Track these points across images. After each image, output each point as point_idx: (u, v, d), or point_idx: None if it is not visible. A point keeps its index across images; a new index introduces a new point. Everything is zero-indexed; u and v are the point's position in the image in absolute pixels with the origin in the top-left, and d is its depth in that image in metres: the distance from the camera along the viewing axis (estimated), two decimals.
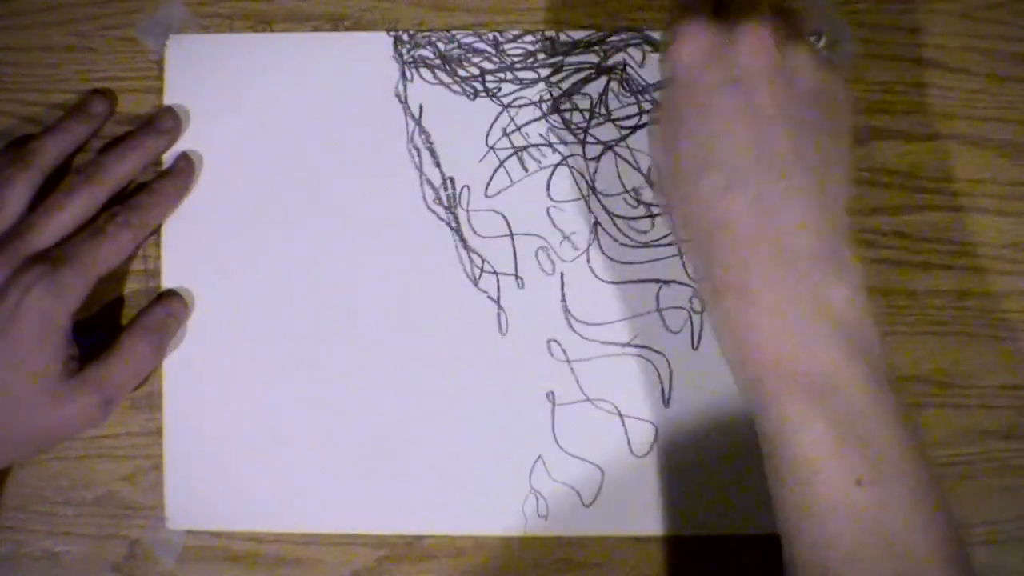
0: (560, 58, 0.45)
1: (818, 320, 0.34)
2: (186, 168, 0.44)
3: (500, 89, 0.45)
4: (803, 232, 0.34)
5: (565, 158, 0.45)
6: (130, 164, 0.43)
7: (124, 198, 0.43)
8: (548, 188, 0.45)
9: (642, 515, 0.44)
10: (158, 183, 0.44)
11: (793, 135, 0.35)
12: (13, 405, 0.39)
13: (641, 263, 0.45)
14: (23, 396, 0.39)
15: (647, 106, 0.45)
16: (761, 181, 0.34)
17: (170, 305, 0.44)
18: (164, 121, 0.44)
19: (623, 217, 0.45)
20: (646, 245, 0.45)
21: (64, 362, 0.40)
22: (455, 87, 0.45)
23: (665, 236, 0.45)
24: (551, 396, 0.45)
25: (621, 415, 0.45)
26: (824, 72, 0.36)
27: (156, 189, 0.44)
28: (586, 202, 0.45)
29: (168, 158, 0.45)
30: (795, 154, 0.35)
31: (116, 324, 0.45)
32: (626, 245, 0.45)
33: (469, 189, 0.45)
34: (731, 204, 0.35)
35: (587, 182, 0.45)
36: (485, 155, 0.45)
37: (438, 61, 0.45)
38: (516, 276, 0.45)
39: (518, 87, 0.45)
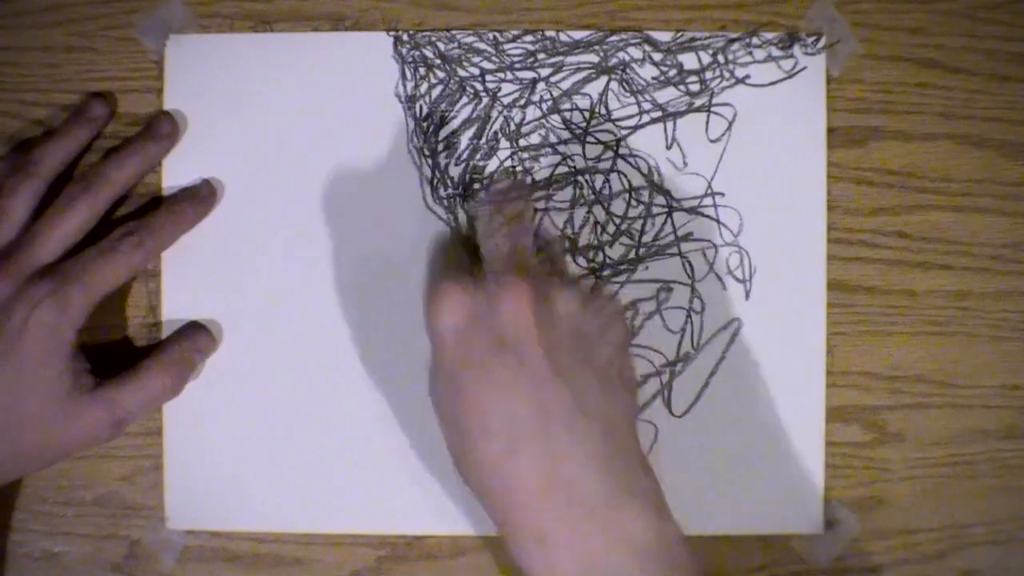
0: (560, 58, 0.45)
1: (619, 553, 0.34)
2: (208, 195, 0.44)
3: (500, 89, 0.45)
4: (593, 475, 0.35)
5: (565, 158, 0.45)
6: (129, 171, 0.43)
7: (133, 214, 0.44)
8: (548, 188, 0.45)
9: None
10: (178, 205, 0.44)
11: (569, 388, 0.36)
12: (23, 419, 0.39)
13: (641, 263, 0.45)
14: (32, 410, 0.39)
15: (647, 106, 0.45)
16: (545, 438, 0.35)
17: (197, 340, 0.44)
18: (162, 126, 0.44)
19: (623, 217, 0.45)
20: (646, 245, 0.45)
21: (73, 376, 0.40)
22: (455, 87, 0.45)
23: (664, 236, 0.45)
24: None
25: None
26: (586, 306, 0.38)
27: (175, 211, 0.43)
28: (585, 202, 0.45)
29: (170, 167, 0.45)
30: (574, 405, 0.36)
31: (116, 324, 0.45)
32: (626, 245, 0.45)
33: (469, 189, 0.45)
34: (518, 466, 0.35)
35: (587, 182, 0.45)
36: (485, 155, 0.45)
37: (438, 61, 0.45)
38: None
39: (518, 87, 0.45)
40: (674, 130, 0.45)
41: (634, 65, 0.45)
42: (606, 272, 0.45)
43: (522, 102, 0.45)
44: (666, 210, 0.45)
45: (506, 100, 0.45)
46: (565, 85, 0.45)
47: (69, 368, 0.40)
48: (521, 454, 0.35)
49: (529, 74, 0.45)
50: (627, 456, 0.36)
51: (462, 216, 0.45)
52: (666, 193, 0.45)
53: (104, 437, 0.41)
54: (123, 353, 0.45)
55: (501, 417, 0.36)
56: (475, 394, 0.36)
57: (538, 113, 0.45)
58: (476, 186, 0.45)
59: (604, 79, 0.45)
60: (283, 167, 0.45)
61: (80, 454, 0.45)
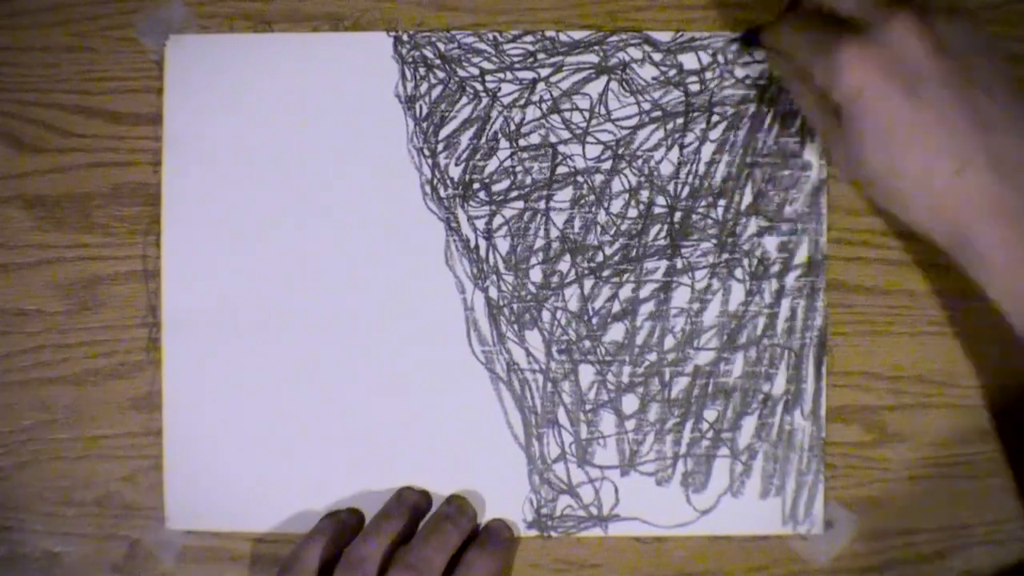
0: (560, 58, 0.45)
1: None
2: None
3: (500, 89, 0.45)
4: None
5: (564, 158, 0.45)
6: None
7: None
8: (548, 188, 0.45)
9: (642, 515, 0.45)
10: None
11: (985, 97, 0.36)
12: None
13: (641, 262, 0.45)
14: None
15: (647, 106, 0.45)
16: (983, 150, 0.36)
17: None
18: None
19: (623, 217, 0.45)
20: (645, 244, 0.45)
21: None
22: (455, 87, 0.45)
23: (662, 235, 0.45)
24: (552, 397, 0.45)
25: (620, 416, 0.45)
26: (969, 26, 0.37)
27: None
28: (585, 201, 0.45)
29: (170, 167, 0.45)
30: (995, 112, 0.36)
31: (114, 322, 0.45)
32: (625, 243, 0.45)
33: (469, 189, 0.45)
34: (966, 183, 0.36)
35: (587, 182, 0.45)
36: (485, 155, 0.45)
37: (438, 61, 0.45)
38: (516, 277, 0.45)
39: (518, 87, 0.45)
40: (674, 130, 0.45)
41: (634, 65, 0.45)
42: (606, 272, 0.45)
43: (522, 102, 0.45)
44: (666, 210, 0.45)
45: (506, 100, 0.45)
46: (565, 85, 0.45)
47: None
48: (971, 168, 0.36)
49: (529, 74, 0.45)
50: None
51: (462, 216, 0.45)
52: (666, 193, 0.45)
53: None
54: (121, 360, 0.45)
55: (941, 142, 0.36)
56: (910, 135, 0.36)
57: (538, 113, 0.45)
58: (476, 186, 0.45)
59: (604, 79, 0.45)
60: (283, 167, 0.45)
61: (78, 454, 0.45)
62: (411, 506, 0.43)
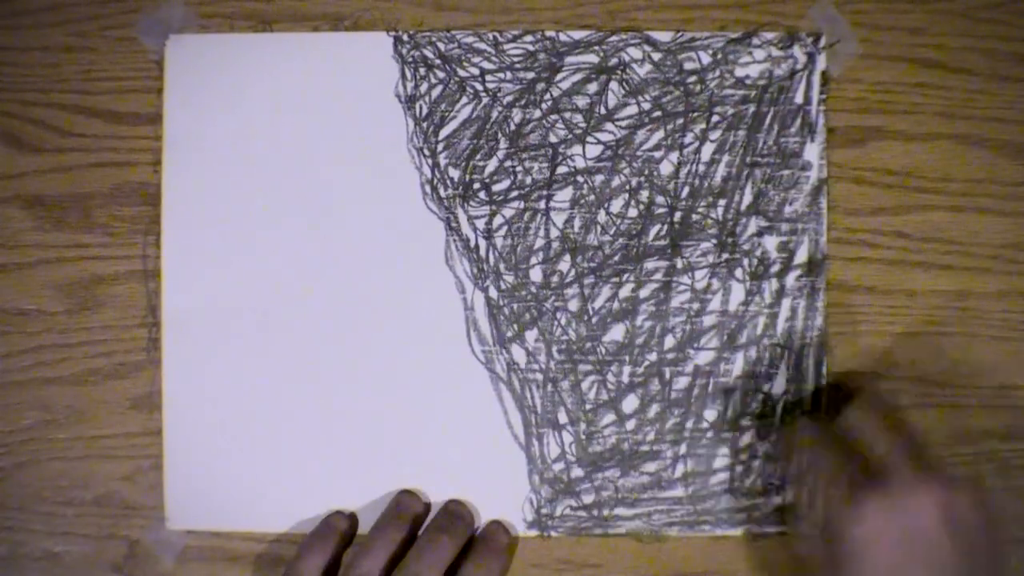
0: (560, 58, 0.45)
1: None
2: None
3: (500, 89, 0.45)
4: None
5: (564, 158, 0.45)
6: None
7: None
8: (548, 188, 0.45)
9: (641, 515, 0.45)
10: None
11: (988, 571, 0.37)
12: None
13: (641, 262, 0.45)
14: None
15: (646, 106, 0.45)
16: None
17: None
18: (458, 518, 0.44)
19: (623, 217, 0.45)
20: (645, 244, 0.45)
21: None
22: (455, 87, 0.45)
23: (662, 235, 0.45)
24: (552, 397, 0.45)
25: (620, 416, 0.45)
26: (988, 512, 0.38)
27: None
28: (585, 203, 0.45)
29: (170, 167, 0.45)
30: None
31: (114, 322, 0.45)
32: (625, 243, 0.45)
33: (469, 189, 0.45)
34: None
35: (587, 182, 0.45)
36: (485, 155, 0.45)
37: (438, 61, 0.45)
38: (516, 276, 0.45)
39: (518, 87, 0.45)
40: (674, 130, 0.45)
41: (634, 65, 0.45)
42: (606, 272, 0.45)
43: (522, 102, 0.45)
44: (666, 210, 0.45)
45: (506, 100, 0.45)
46: (565, 85, 0.45)
47: None
48: None
49: (529, 74, 0.45)
50: None
51: (462, 216, 0.45)
52: (666, 193, 0.45)
53: None
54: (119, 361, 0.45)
55: None
56: None
57: (538, 113, 0.45)
58: (476, 186, 0.45)
59: (604, 79, 0.45)
60: (283, 167, 0.45)
61: (79, 454, 0.45)
62: (409, 515, 0.43)
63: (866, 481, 0.38)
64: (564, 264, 0.45)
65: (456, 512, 0.43)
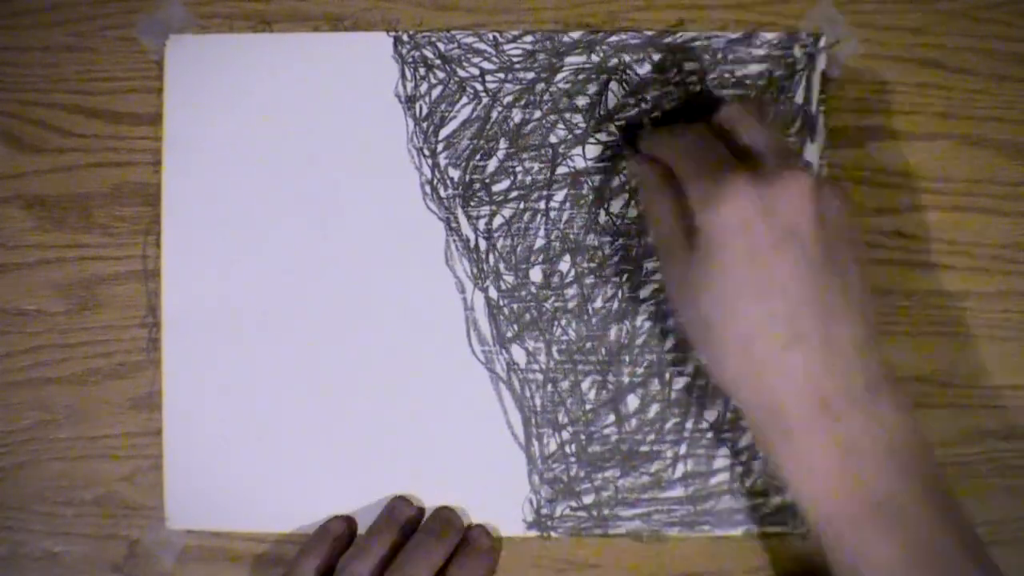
0: (560, 58, 0.45)
1: (879, 450, 0.36)
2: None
3: (500, 89, 0.45)
4: (861, 367, 0.36)
5: (564, 158, 0.45)
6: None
7: None
8: (548, 188, 0.45)
9: (641, 515, 0.45)
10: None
11: (840, 281, 0.36)
12: None
13: (641, 262, 0.45)
14: None
15: (646, 106, 0.45)
16: (824, 330, 0.36)
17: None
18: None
19: (622, 217, 0.45)
20: (645, 244, 0.45)
21: None
22: (455, 87, 0.45)
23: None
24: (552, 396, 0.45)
25: (620, 416, 0.45)
26: (848, 209, 0.38)
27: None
28: (585, 202, 0.45)
29: (171, 167, 0.45)
30: (843, 299, 0.36)
31: (114, 322, 0.45)
32: (625, 244, 0.45)
33: (469, 189, 0.45)
34: (792, 358, 0.36)
35: (587, 182, 0.45)
36: (485, 155, 0.45)
37: (438, 61, 0.45)
38: (516, 276, 0.45)
39: (518, 87, 0.45)
40: None
41: (634, 65, 0.45)
42: (606, 272, 0.45)
43: (522, 102, 0.45)
44: None
45: (506, 100, 0.45)
46: (565, 85, 0.45)
47: None
48: (797, 347, 0.36)
49: (529, 74, 0.45)
50: (882, 351, 0.37)
51: (462, 216, 0.45)
52: None
53: None
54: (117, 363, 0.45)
55: (784, 310, 0.36)
56: (757, 287, 0.36)
57: (538, 113, 0.45)
58: (476, 186, 0.45)
59: (604, 79, 0.45)
60: (283, 167, 0.45)
61: (79, 453, 0.45)
62: (402, 520, 0.43)
63: (737, 164, 0.37)
64: (564, 264, 0.45)
65: (446, 518, 0.44)
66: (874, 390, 0.36)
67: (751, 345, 0.36)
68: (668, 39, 0.45)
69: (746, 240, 0.36)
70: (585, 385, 0.45)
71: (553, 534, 0.45)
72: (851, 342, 0.36)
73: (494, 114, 0.45)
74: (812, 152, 0.45)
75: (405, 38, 0.45)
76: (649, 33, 0.45)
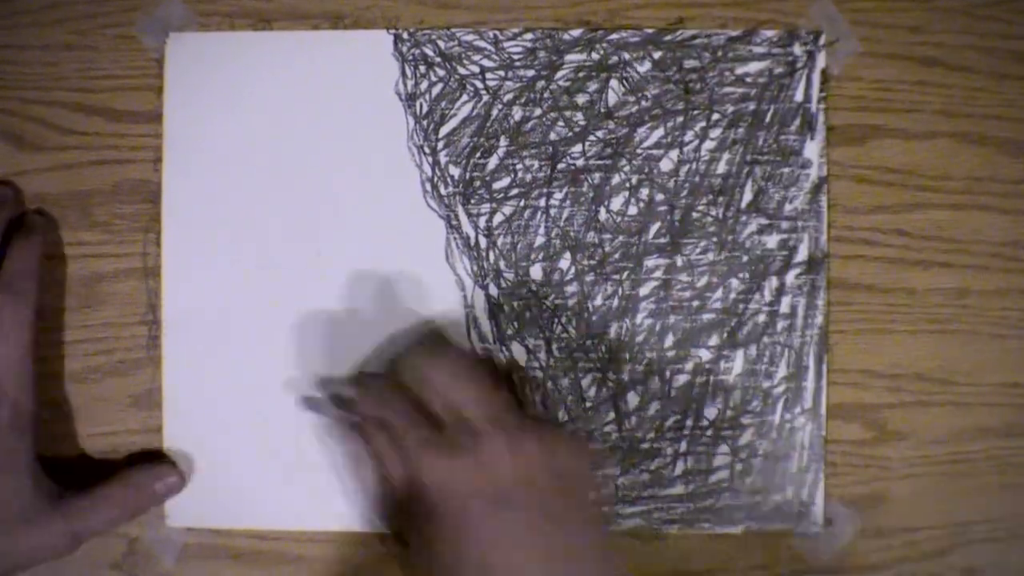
0: (560, 56, 0.45)
1: None
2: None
3: (500, 87, 0.45)
4: None
5: (564, 156, 0.45)
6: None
7: None
8: (548, 185, 0.45)
9: (641, 513, 0.45)
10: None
11: (564, 534, 0.37)
12: None
13: (641, 260, 0.45)
14: None
15: (646, 104, 0.45)
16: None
17: (163, 475, 0.44)
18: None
19: (622, 215, 0.45)
20: (645, 242, 0.45)
21: (34, 483, 0.40)
22: (455, 85, 0.45)
23: (662, 233, 0.45)
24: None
25: (620, 414, 0.45)
26: (578, 452, 0.39)
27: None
28: (585, 199, 0.45)
29: (171, 166, 0.45)
30: (566, 552, 0.37)
31: (114, 320, 0.45)
32: (626, 241, 0.45)
33: (469, 187, 0.45)
34: None
35: (587, 180, 0.45)
36: (485, 153, 0.45)
37: (438, 59, 0.45)
38: (516, 274, 0.45)
39: (518, 85, 0.45)
40: (674, 128, 0.45)
41: (634, 63, 0.45)
42: (606, 270, 0.45)
43: (522, 100, 0.45)
44: (666, 208, 0.45)
45: (506, 98, 0.45)
46: (565, 83, 0.45)
47: (30, 473, 0.40)
48: None
49: (529, 72, 0.45)
50: None
51: (462, 214, 0.45)
52: (666, 191, 0.45)
53: (62, 550, 0.41)
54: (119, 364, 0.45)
55: (503, 566, 0.36)
56: (478, 545, 0.36)
57: (538, 111, 0.45)
58: (476, 184, 0.45)
59: (604, 77, 0.45)
60: (283, 165, 0.45)
61: (80, 451, 0.45)
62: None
63: (433, 434, 0.38)
64: (564, 262, 0.45)
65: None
66: None
67: None
68: (668, 37, 0.45)
69: (458, 502, 0.37)
70: (585, 383, 0.45)
71: None
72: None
73: (494, 112, 0.45)
74: (812, 150, 0.45)
75: (405, 36, 0.45)
76: (649, 31, 0.45)
